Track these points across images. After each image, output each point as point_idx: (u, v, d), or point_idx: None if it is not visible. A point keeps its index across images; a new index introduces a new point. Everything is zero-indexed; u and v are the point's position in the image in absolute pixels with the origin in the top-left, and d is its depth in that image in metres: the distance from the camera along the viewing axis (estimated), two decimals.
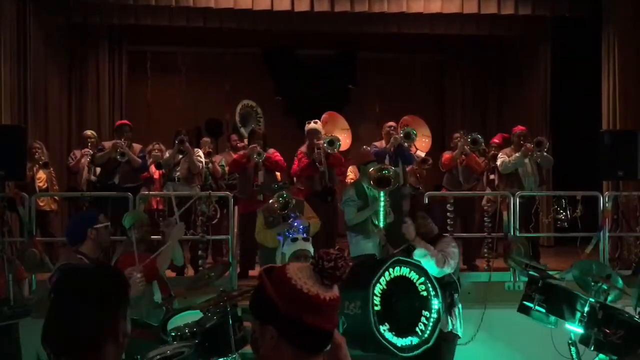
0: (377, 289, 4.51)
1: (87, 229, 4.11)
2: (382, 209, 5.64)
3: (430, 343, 4.58)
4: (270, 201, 5.74)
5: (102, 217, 4.26)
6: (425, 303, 4.66)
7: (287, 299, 1.57)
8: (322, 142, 7.19)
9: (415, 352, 4.53)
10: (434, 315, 4.64)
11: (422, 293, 4.68)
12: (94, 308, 1.71)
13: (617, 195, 7.35)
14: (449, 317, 4.80)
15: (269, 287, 1.60)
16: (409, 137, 7.34)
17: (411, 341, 4.55)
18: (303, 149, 7.45)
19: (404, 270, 4.69)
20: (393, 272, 4.63)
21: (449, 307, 4.80)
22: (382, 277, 4.57)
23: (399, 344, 4.49)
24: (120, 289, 1.78)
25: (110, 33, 10.52)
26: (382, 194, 5.63)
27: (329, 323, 1.62)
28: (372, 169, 5.71)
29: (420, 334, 4.59)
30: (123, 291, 1.79)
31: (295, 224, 5.46)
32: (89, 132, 8.44)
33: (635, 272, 6.69)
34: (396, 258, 4.74)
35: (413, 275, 4.68)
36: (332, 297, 1.61)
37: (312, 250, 4.49)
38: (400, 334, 4.52)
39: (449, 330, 4.82)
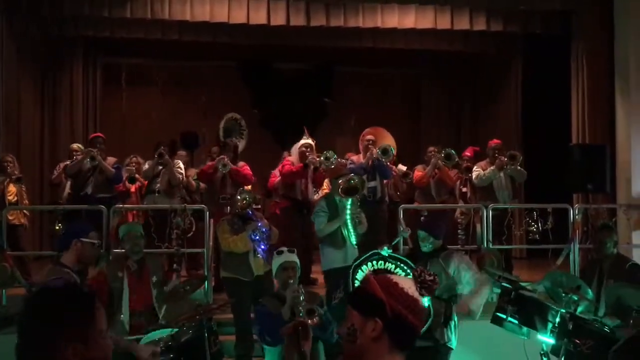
0: (360, 276, 4.41)
1: (74, 239, 3.99)
2: (349, 216, 5.72)
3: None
4: (236, 197, 5.77)
5: (93, 234, 4.11)
6: None
7: (394, 298, 1.80)
8: (317, 156, 7.20)
9: None
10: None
11: None
12: (43, 331, 1.66)
13: (587, 207, 7.51)
14: (445, 330, 4.68)
15: (376, 286, 1.82)
16: (386, 153, 7.31)
17: None
18: (291, 159, 7.44)
19: (389, 266, 4.54)
20: (376, 264, 4.52)
21: (446, 320, 4.68)
22: (364, 265, 4.50)
23: None
24: (74, 311, 1.69)
25: (85, 45, 10.44)
26: (349, 201, 5.72)
27: (420, 327, 1.85)
28: (340, 180, 5.80)
29: None
30: (77, 314, 1.69)
31: (259, 224, 5.49)
32: (75, 146, 8.20)
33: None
34: (376, 251, 4.60)
35: (399, 272, 4.47)
36: (424, 306, 1.88)
37: (298, 261, 4.45)
38: None
39: (445, 342, 4.69)
